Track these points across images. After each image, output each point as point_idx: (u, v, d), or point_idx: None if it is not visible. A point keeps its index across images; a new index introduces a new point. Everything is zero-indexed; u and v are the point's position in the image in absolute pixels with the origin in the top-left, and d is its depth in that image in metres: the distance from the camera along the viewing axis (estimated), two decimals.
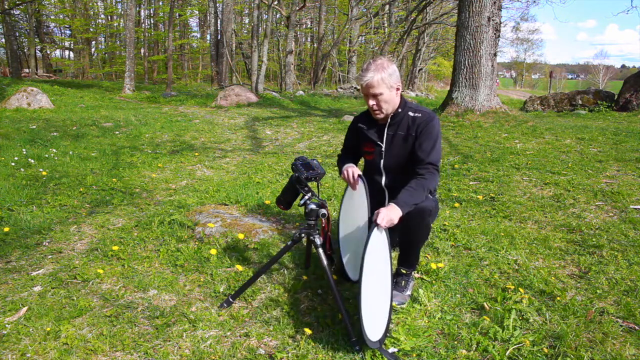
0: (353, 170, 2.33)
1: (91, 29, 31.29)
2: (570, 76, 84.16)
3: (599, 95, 10.40)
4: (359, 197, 2.35)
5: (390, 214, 2.00)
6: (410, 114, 2.29)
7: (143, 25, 31.92)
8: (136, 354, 1.90)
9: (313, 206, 2.16)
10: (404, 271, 2.36)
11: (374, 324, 1.91)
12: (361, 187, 2.32)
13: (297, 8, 17.52)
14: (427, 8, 18.52)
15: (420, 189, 2.13)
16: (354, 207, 2.43)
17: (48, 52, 31.99)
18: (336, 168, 5.18)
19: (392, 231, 2.44)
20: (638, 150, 5.50)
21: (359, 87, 16.84)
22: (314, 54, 22.20)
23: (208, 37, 25.45)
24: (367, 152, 2.40)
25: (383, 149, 2.33)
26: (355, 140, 2.46)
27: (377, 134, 2.35)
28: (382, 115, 2.29)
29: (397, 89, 2.25)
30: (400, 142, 2.29)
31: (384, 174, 2.37)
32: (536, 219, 3.43)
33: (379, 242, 2.04)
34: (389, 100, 2.23)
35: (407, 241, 2.31)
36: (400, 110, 2.29)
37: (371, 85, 2.17)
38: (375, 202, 2.39)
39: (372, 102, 2.23)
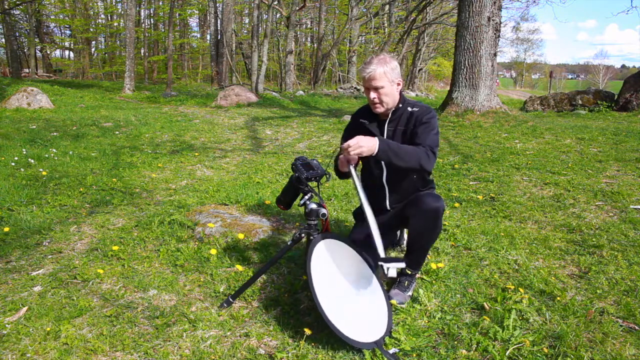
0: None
1: (91, 29, 31.32)
2: (570, 76, 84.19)
3: (599, 95, 10.39)
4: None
5: (364, 141, 2.00)
6: (409, 109, 2.31)
7: (143, 25, 31.91)
8: (136, 354, 1.90)
9: (313, 206, 2.15)
10: (409, 272, 2.35)
11: (358, 326, 1.93)
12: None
13: (297, 8, 17.52)
14: (427, 8, 18.52)
15: (414, 152, 2.09)
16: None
17: (48, 52, 32.00)
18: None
19: (392, 232, 2.45)
20: (638, 150, 5.50)
21: (359, 87, 16.70)
22: (314, 54, 22.19)
23: (208, 37, 25.47)
24: None
25: None
26: (357, 134, 2.42)
27: (378, 129, 2.35)
28: (382, 109, 2.28)
29: (398, 84, 2.26)
30: (400, 136, 2.30)
31: (385, 170, 2.37)
32: (536, 219, 3.43)
33: (335, 250, 2.10)
34: (390, 94, 2.23)
35: (419, 241, 2.27)
36: (400, 105, 2.31)
37: (373, 77, 2.18)
38: (375, 199, 2.39)
39: (373, 94, 2.23)
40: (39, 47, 29.45)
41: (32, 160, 5.17)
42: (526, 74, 73.75)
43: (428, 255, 2.82)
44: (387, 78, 2.19)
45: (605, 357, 1.85)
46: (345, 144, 2.02)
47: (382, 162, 2.34)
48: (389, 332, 1.99)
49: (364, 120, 2.39)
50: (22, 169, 4.82)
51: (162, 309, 2.23)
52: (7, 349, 1.90)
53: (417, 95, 19.51)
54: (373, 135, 2.31)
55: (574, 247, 2.94)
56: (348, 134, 2.42)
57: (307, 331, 1.98)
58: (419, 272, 2.56)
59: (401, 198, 2.41)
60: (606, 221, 3.33)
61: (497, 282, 2.48)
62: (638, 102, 9.54)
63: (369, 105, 2.33)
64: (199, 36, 36.00)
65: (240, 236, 2.99)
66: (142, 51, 30.62)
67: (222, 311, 2.21)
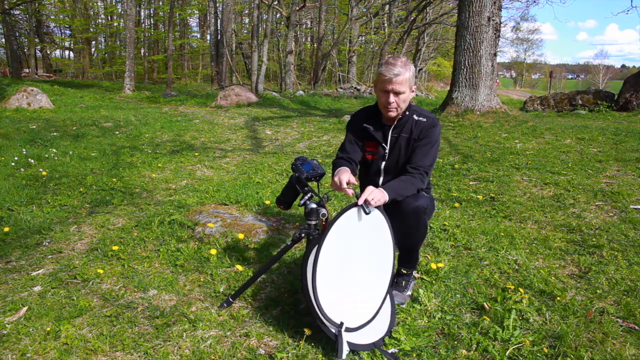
0: (340, 177, 2.08)
1: (91, 29, 31.31)
2: (570, 76, 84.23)
3: (599, 95, 10.39)
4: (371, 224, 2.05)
5: (379, 196, 1.99)
6: (415, 117, 2.26)
7: (143, 25, 31.90)
8: (136, 354, 1.90)
9: (313, 206, 2.15)
10: (404, 271, 2.37)
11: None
12: (376, 214, 2.05)
13: (297, 8, 17.53)
14: (427, 8, 18.52)
15: (409, 183, 2.15)
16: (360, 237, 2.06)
17: (48, 52, 31.99)
18: None
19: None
20: (638, 150, 5.50)
21: (359, 87, 16.40)
22: (314, 54, 22.20)
23: (208, 37, 25.46)
24: (370, 152, 2.35)
25: (387, 150, 2.30)
26: (360, 140, 2.35)
27: (381, 134, 2.30)
28: (394, 114, 2.22)
29: (413, 91, 2.22)
30: (403, 144, 2.26)
31: (383, 175, 2.36)
32: (536, 219, 3.43)
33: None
34: (407, 100, 2.19)
35: (406, 241, 2.29)
36: (407, 112, 2.26)
37: (399, 82, 2.10)
38: None
39: (392, 99, 2.14)
40: (39, 47, 29.43)
41: (32, 160, 5.17)
42: (526, 74, 73.70)
43: (428, 255, 2.82)
44: (408, 84, 2.13)
45: (605, 357, 1.85)
46: (364, 200, 1.94)
47: (381, 168, 2.33)
48: (389, 332, 1.99)
49: (368, 125, 2.32)
50: (22, 169, 4.82)
51: (162, 309, 2.23)
52: (7, 349, 1.90)
53: (417, 95, 19.50)
54: (377, 140, 2.31)
55: (574, 247, 2.94)
56: (354, 137, 2.36)
57: (307, 331, 1.98)
58: (417, 272, 2.56)
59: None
60: (606, 221, 3.33)
61: (497, 282, 2.49)
62: (638, 102, 9.54)
63: (381, 107, 2.23)
64: (199, 36, 36.00)
65: (240, 236, 2.99)
66: (142, 51, 30.59)
67: (222, 311, 2.21)
